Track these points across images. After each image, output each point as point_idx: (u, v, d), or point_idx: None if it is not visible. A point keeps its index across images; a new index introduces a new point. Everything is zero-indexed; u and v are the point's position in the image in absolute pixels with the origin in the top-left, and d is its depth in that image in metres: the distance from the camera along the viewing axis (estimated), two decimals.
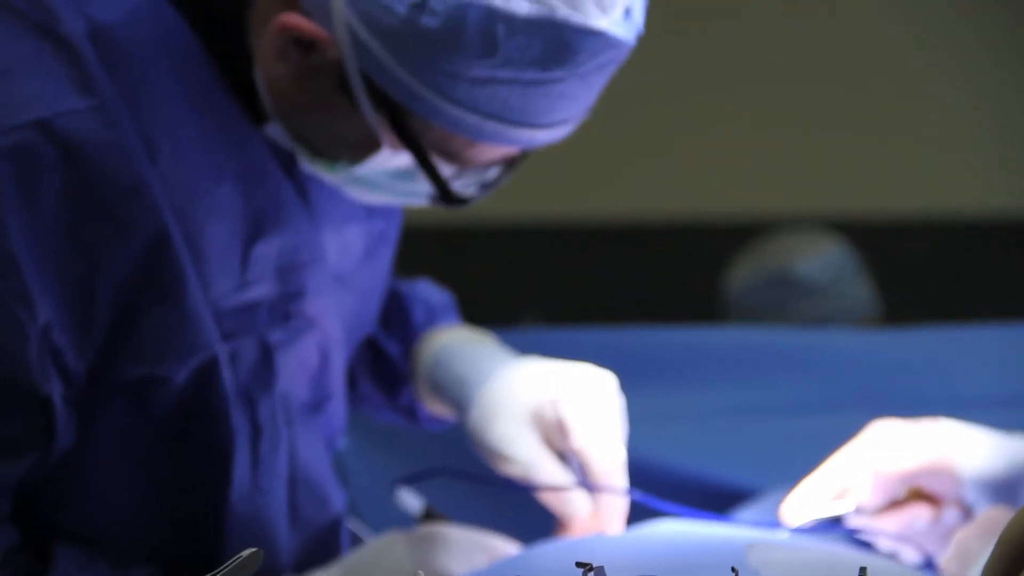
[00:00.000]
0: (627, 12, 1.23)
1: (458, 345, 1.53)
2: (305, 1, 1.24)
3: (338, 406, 1.46)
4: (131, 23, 1.26)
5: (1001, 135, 4.13)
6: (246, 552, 0.97)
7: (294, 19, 1.24)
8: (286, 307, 1.36)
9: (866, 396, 1.82)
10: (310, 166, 1.34)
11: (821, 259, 3.23)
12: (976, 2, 4.09)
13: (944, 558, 1.28)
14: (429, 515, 1.45)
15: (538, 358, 1.49)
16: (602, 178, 4.11)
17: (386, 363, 1.59)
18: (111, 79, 1.23)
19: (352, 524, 1.57)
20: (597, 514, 1.39)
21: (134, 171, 1.23)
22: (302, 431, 1.40)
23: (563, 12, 1.19)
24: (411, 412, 1.61)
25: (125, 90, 1.24)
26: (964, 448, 1.32)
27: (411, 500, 1.46)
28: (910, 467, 1.33)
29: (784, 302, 3.20)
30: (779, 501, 1.49)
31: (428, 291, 1.62)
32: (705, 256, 3.66)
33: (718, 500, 1.70)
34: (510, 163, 1.33)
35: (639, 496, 1.39)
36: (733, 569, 0.98)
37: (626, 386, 1.47)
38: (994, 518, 1.28)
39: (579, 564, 0.98)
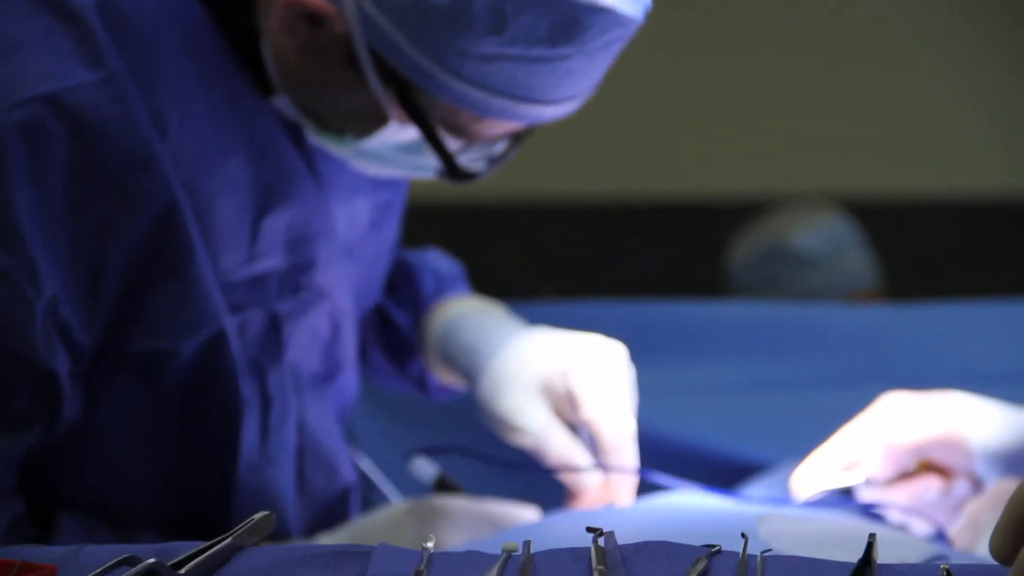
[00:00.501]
0: None
1: (467, 315, 1.53)
2: None
3: (349, 377, 1.46)
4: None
5: (1000, 114, 4.12)
6: (258, 515, 0.98)
7: None
8: (296, 278, 1.36)
9: (877, 371, 1.82)
10: (317, 139, 1.34)
11: (817, 231, 3.23)
12: None
13: (954, 529, 1.28)
14: (442, 484, 1.46)
15: (548, 328, 1.49)
16: (618, 159, 4.11)
17: (395, 334, 1.59)
18: (119, 53, 1.23)
19: (364, 463, 1.58)
20: (607, 486, 1.39)
21: (142, 144, 1.23)
22: (312, 401, 1.40)
23: None
24: (421, 382, 1.61)
25: (133, 64, 1.24)
26: (975, 420, 1.32)
27: (425, 468, 1.47)
28: (920, 439, 1.33)
29: (780, 275, 3.20)
30: (788, 475, 1.50)
31: (437, 261, 1.62)
32: (718, 234, 3.65)
33: (728, 473, 1.71)
34: (517, 138, 1.33)
35: (648, 474, 1.39)
36: (743, 535, 0.98)
37: (637, 359, 1.47)
38: (1005, 490, 1.28)
39: (590, 529, 0.99)
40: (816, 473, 1.37)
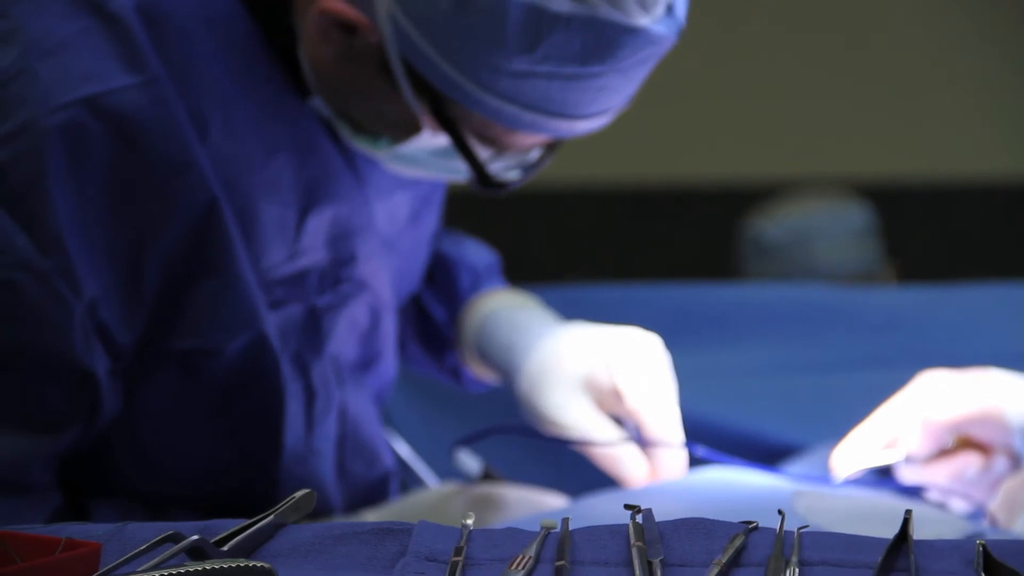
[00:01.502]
0: (669, 8, 1.23)
1: (503, 311, 1.53)
2: None
3: (388, 364, 1.47)
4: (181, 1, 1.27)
5: (987, 101, 4.11)
6: (300, 493, 0.98)
7: (335, 4, 1.25)
8: (336, 272, 1.37)
9: (911, 352, 1.81)
10: (352, 141, 1.35)
11: (780, 221, 3.24)
12: None
13: (992, 506, 1.28)
14: (487, 476, 1.46)
15: (582, 323, 1.49)
16: (642, 143, 4.11)
17: (432, 327, 1.60)
18: (159, 55, 1.24)
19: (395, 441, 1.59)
20: (655, 474, 1.39)
21: (182, 147, 1.23)
22: (352, 389, 1.41)
23: (604, 10, 1.19)
24: (456, 374, 1.62)
25: (173, 66, 1.24)
26: (1013, 396, 1.32)
27: (469, 462, 1.47)
28: (959, 415, 1.33)
29: (748, 261, 3.23)
30: (826, 456, 1.50)
31: (474, 254, 1.63)
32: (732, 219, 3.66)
33: (764, 456, 1.70)
34: (551, 146, 1.34)
35: (695, 449, 1.39)
36: (780, 511, 0.99)
37: (669, 343, 1.47)
38: None
39: (627, 506, 0.99)
40: (856, 451, 1.37)
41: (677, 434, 1.40)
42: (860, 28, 4.15)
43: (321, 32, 1.27)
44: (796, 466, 1.54)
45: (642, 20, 1.21)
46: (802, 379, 1.88)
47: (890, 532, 0.98)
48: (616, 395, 1.41)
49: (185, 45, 1.26)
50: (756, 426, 1.79)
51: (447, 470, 1.57)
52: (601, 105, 1.26)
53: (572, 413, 1.40)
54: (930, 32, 4.12)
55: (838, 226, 3.24)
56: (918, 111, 4.15)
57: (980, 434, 1.34)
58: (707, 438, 1.64)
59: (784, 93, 4.15)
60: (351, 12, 1.25)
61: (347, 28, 1.26)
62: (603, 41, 1.21)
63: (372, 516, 1.40)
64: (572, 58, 1.21)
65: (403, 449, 1.61)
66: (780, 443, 1.75)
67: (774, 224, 3.24)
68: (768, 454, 1.71)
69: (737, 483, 1.35)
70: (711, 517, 0.98)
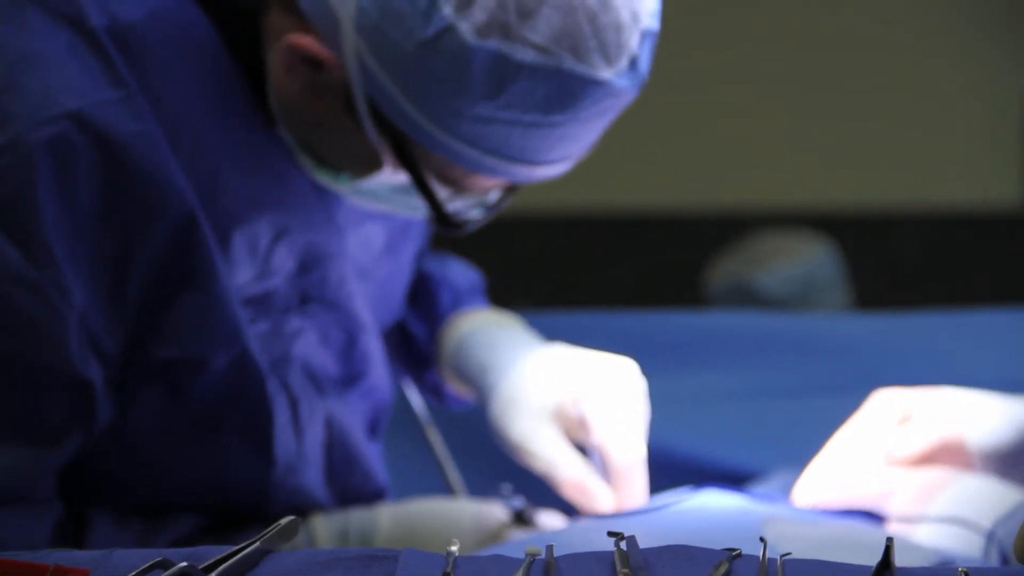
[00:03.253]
0: (632, 63, 1.25)
1: (480, 331, 1.55)
2: (315, 22, 1.25)
3: (376, 383, 1.47)
4: (155, 22, 1.27)
5: (967, 126, 4.16)
6: (285, 520, 0.99)
7: (302, 40, 1.26)
8: (304, 293, 1.38)
9: (867, 378, 1.83)
10: (314, 174, 1.36)
11: (783, 273, 3.24)
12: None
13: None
14: (519, 518, 1.46)
15: (558, 345, 1.50)
16: (594, 171, 4.12)
17: (413, 345, 1.61)
18: (132, 75, 1.24)
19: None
20: (618, 504, 1.41)
21: (162, 160, 1.24)
22: (337, 403, 1.42)
23: (568, 62, 1.21)
24: (437, 392, 1.63)
25: (145, 86, 1.25)
26: (971, 421, 1.33)
27: (512, 499, 1.48)
28: (920, 449, 1.35)
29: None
30: (783, 481, 1.51)
31: (456, 273, 1.64)
32: (697, 247, 3.67)
33: (720, 481, 1.72)
34: (510, 188, 1.36)
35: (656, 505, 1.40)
36: (762, 539, 1.00)
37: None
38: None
39: (611, 533, 1.00)
40: (818, 486, 1.38)
41: (641, 471, 1.41)
42: (798, 57, 4.19)
43: (287, 66, 1.28)
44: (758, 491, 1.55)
45: (605, 73, 1.23)
46: (756, 405, 1.90)
47: (859, 559, 0.99)
48: (583, 426, 1.42)
49: (157, 67, 1.26)
50: (710, 452, 1.80)
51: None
52: (561, 153, 1.29)
53: (540, 442, 1.42)
54: (868, 60, 4.17)
55: (828, 270, 3.26)
56: (859, 138, 4.19)
57: (942, 461, 1.35)
58: (662, 463, 1.66)
59: (735, 121, 4.19)
60: (317, 48, 1.26)
61: (313, 63, 1.27)
62: (566, 92, 1.23)
63: (388, 512, 1.40)
64: (534, 106, 1.23)
65: (440, 451, 1.62)
66: (735, 468, 1.77)
67: (775, 279, 3.24)
68: (723, 479, 1.72)
69: (705, 510, 1.36)
70: (686, 544, 1.00)
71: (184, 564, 0.90)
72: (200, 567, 0.91)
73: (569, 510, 1.46)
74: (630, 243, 4.22)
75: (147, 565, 0.89)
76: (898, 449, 1.36)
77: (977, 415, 1.34)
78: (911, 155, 4.16)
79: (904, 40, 4.15)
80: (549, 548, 0.97)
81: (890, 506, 1.34)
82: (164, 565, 0.90)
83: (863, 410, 1.40)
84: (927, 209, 4.17)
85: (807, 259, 3.28)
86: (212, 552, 0.95)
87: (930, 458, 1.36)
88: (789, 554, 0.98)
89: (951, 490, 1.32)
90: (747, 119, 4.18)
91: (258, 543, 0.96)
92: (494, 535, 1.42)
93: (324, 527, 1.40)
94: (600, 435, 1.41)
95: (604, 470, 1.41)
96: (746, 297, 3.23)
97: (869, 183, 4.18)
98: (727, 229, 3.44)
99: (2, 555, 0.92)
